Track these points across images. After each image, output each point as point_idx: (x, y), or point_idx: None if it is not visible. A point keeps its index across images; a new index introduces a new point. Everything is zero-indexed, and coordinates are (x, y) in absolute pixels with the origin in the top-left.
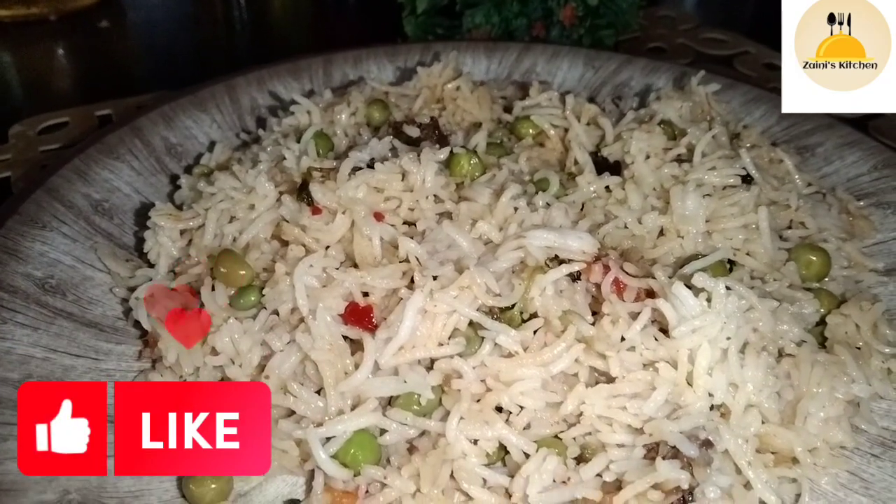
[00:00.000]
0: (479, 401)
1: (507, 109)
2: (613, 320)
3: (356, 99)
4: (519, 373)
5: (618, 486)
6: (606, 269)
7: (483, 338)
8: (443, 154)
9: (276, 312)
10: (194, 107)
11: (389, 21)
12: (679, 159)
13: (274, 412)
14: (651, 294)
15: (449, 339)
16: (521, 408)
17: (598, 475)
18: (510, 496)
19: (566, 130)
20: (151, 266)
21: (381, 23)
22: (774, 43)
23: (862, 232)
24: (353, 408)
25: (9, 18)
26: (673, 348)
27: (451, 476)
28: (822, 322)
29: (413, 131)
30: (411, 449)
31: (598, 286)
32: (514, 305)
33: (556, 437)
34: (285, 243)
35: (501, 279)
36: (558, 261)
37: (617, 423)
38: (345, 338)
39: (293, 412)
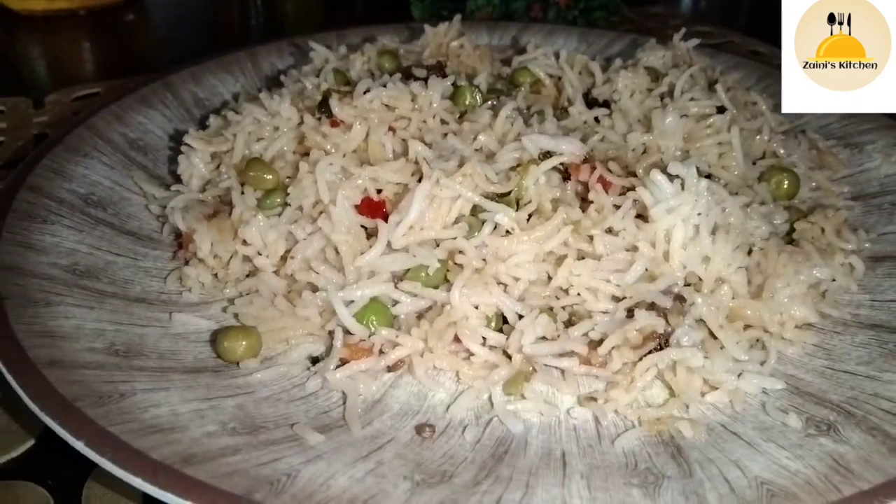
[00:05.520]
0: (479, 272)
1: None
2: (598, 208)
3: (369, 50)
4: (515, 248)
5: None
6: (593, 168)
7: (484, 222)
8: (448, 81)
9: (299, 209)
10: (220, 69)
11: (397, 8)
12: (661, 96)
13: (296, 287)
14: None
15: (454, 224)
16: (517, 279)
17: (585, 335)
18: (509, 357)
19: (559, 79)
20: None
21: (387, 11)
22: (775, 41)
23: (830, 166)
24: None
25: (40, 13)
26: (651, 231)
27: (456, 339)
28: (790, 233)
29: (420, 73)
30: (420, 318)
31: (585, 185)
32: (510, 192)
33: (548, 308)
34: (306, 155)
35: (500, 174)
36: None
37: (601, 293)
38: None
39: (315, 288)
